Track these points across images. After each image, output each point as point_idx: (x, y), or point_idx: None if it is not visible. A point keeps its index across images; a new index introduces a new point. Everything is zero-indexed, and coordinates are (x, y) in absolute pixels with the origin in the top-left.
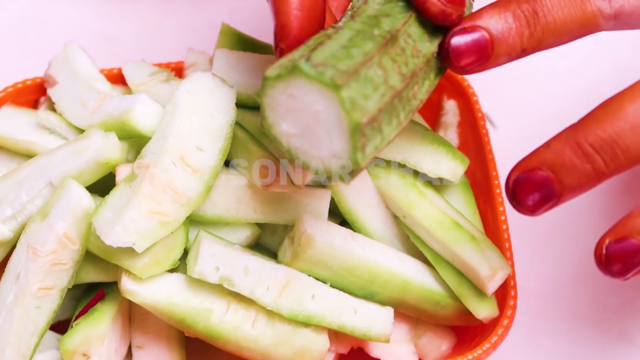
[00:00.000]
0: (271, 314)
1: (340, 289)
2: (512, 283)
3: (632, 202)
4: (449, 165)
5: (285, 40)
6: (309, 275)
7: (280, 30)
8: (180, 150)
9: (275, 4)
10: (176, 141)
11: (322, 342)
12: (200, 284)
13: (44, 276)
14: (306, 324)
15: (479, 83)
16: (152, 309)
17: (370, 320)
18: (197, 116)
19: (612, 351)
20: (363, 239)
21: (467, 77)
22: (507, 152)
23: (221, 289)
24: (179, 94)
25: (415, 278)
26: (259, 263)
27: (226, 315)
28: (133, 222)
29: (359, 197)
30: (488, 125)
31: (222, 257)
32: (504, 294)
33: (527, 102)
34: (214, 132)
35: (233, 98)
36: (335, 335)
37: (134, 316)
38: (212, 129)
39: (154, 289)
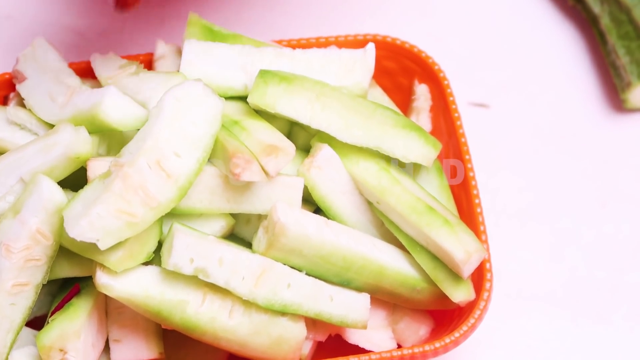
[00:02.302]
0: (247, 304)
1: (316, 277)
2: (487, 266)
3: (605, 183)
4: (422, 151)
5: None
6: (284, 264)
7: None
8: (157, 154)
9: None
10: (154, 144)
11: (299, 330)
12: (175, 276)
13: (17, 273)
14: (283, 313)
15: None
16: (127, 303)
17: (347, 307)
18: (179, 122)
19: (589, 330)
20: (337, 226)
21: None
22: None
23: (196, 281)
24: (166, 99)
25: (391, 263)
26: (233, 253)
27: (202, 307)
28: (100, 218)
29: (332, 185)
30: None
31: (196, 249)
32: (480, 277)
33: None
34: (194, 141)
35: (220, 110)
36: (313, 323)
37: (110, 310)
38: (193, 138)
39: (129, 283)
